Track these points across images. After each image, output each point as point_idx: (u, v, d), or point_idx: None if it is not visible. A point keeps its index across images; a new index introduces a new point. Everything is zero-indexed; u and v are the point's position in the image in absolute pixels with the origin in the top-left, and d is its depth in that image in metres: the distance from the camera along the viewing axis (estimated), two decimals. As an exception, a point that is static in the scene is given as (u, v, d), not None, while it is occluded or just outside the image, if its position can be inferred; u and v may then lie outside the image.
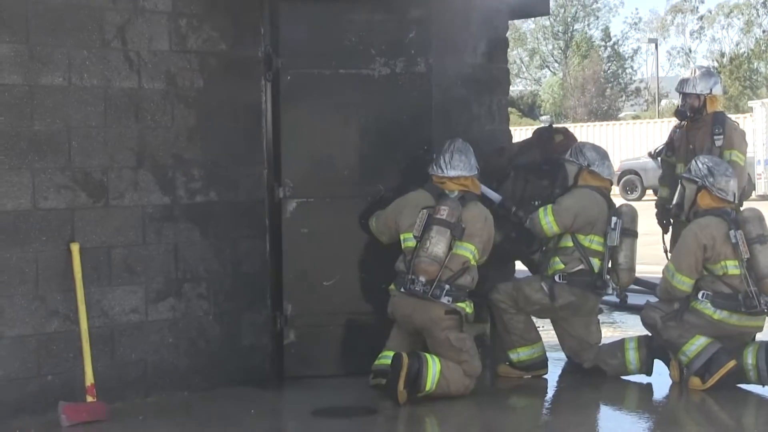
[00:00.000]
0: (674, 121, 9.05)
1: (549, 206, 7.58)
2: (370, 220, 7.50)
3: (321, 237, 7.60)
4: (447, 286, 6.94)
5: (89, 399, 6.54)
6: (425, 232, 6.96)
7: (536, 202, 7.89)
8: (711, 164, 7.41)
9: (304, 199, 7.59)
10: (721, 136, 8.14)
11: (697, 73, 8.40)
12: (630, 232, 7.63)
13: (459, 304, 6.98)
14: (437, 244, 6.89)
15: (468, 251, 7.06)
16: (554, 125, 9.10)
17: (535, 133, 8.60)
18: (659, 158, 8.95)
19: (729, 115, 8.73)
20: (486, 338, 8.44)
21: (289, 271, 7.57)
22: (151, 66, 7.05)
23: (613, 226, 7.55)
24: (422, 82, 7.81)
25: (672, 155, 8.60)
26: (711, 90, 8.31)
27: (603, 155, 7.82)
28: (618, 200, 8.15)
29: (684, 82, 8.43)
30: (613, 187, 7.98)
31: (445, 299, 6.93)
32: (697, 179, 7.39)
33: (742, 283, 7.12)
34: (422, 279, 6.88)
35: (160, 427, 6.56)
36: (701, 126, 8.29)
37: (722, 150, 8.12)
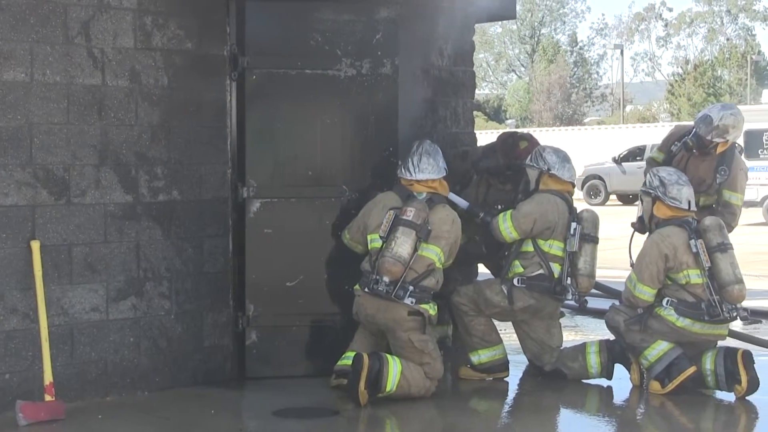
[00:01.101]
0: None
1: (509, 212, 7.59)
2: (342, 234, 7.47)
3: (284, 237, 7.58)
4: (411, 288, 6.94)
5: (48, 398, 6.49)
6: (391, 233, 6.96)
7: (499, 206, 7.91)
8: (663, 174, 7.45)
9: (267, 199, 7.57)
10: (726, 177, 7.86)
11: (724, 120, 7.74)
12: (590, 238, 7.65)
13: (422, 305, 6.98)
14: (402, 244, 6.89)
15: (433, 253, 7.07)
16: (519, 130, 9.09)
17: (499, 137, 8.58)
18: (623, 164, 8.82)
19: None
20: (448, 340, 8.46)
21: (252, 271, 7.54)
22: (116, 63, 7.00)
23: (572, 231, 7.57)
24: (388, 84, 7.80)
25: (669, 166, 8.11)
26: (727, 140, 7.83)
27: (563, 158, 7.83)
28: (582, 205, 8.16)
29: (705, 122, 7.81)
30: (576, 191, 7.97)
31: (408, 300, 6.93)
32: (651, 191, 7.44)
33: (704, 292, 7.17)
34: (386, 279, 6.88)
35: (119, 426, 6.50)
36: (707, 159, 7.91)
37: (722, 188, 7.89)
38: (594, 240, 7.67)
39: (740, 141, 8.03)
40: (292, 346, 7.68)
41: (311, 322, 7.69)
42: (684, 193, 7.36)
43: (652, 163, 8.21)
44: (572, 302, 7.84)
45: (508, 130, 9.28)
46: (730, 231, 7.80)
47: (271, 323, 7.59)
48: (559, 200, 7.64)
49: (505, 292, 7.57)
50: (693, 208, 7.40)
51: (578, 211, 7.74)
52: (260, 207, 7.55)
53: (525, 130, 9.23)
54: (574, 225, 7.57)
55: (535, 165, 7.78)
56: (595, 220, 7.73)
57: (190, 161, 7.36)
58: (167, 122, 7.24)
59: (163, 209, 7.24)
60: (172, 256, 7.28)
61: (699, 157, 7.95)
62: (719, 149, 7.86)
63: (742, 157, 8.32)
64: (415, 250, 6.96)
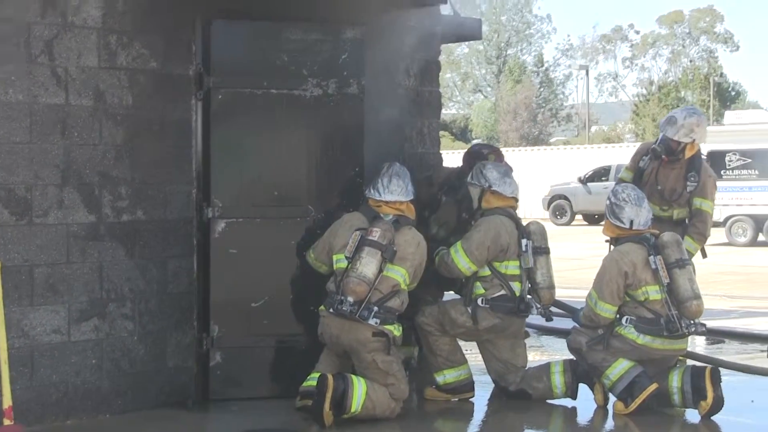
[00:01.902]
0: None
1: (458, 246, 7.54)
2: (307, 254, 7.44)
3: (249, 258, 7.54)
4: (375, 308, 6.92)
5: (6, 422, 6.38)
6: (356, 253, 6.94)
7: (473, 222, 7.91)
8: (611, 197, 7.55)
9: (233, 219, 7.53)
10: (696, 184, 8.02)
11: (687, 120, 8.02)
12: (542, 250, 7.69)
13: (387, 326, 6.96)
14: (367, 265, 6.87)
15: (398, 274, 7.05)
16: (476, 141, 9.13)
17: (466, 153, 8.60)
18: (588, 184, 8.92)
19: None
20: (413, 361, 8.44)
21: (216, 291, 7.49)
22: (79, 82, 6.95)
23: (524, 248, 7.59)
24: (354, 104, 7.80)
25: (638, 186, 8.22)
26: (693, 139, 8.04)
27: (504, 173, 7.82)
28: (549, 225, 8.15)
29: (670, 124, 8.07)
30: (542, 211, 8.01)
31: (373, 321, 6.90)
32: (606, 212, 7.52)
33: (663, 308, 7.22)
34: (350, 299, 6.85)
35: (81, 449, 6.44)
36: (676, 167, 8.10)
37: (693, 196, 8.04)
38: (546, 251, 7.72)
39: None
40: (256, 367, 7.62)
41: (276, 343, 7.65)
42: (626, 213, 7.40)
43: (621, 183, 8.29)
44: (538, 318, 7.86)
45: (474, 143, 9.27)
46: (704, 240, 8.02)
47: (236, 344, 7.54)
48: (506, 220, 7.63)
49: (470, 312, 7.56)
50: (637, 227, 7.39)
51: (525, 225, 7.76)
52: (225, 227, 7.51)
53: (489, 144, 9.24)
54: (524, 241, 7.59)
55: (476, 183, 7.79)
56: (542, 232, 7.77)
57: (154, 181, 7.31)
58: (131, 142, 7.19)
59: (127, 229, 7.18)
60: (135, 277, 7.22)
61: (668, 165, 8.10)
62: (687, 153, 8.02)
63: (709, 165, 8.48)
64: (381, 270, 6.94)
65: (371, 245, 6.92)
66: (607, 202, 7.57)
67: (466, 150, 8.80)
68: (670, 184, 8.11)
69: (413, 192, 7.34)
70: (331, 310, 6.97)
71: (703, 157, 8.37)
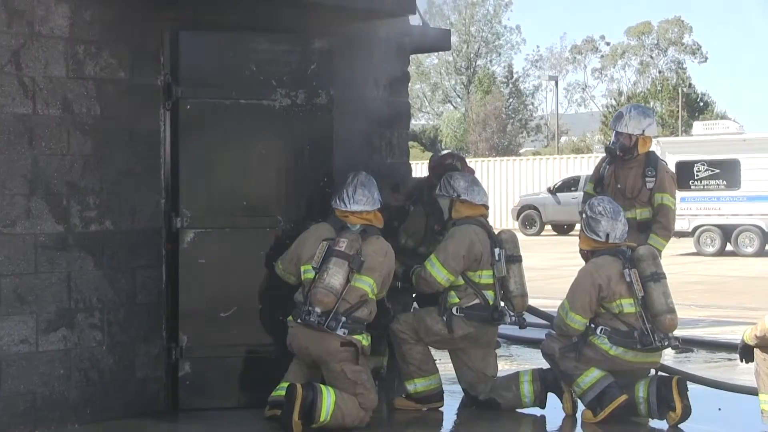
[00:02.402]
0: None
1: (433, 259, 7.55)
2: (276, 264, 7.44)
3: (219, 268, 7.53)
4: (343, 318, 6.93)
5: (-25, 432, 6.36)
6: (324, 264, 6.94)
7: (439, 237, 7.94)
8: (587, 207, 7.59)
9: (202, 229, 7.52)
10: (654, 179, 8.19)
11: (633, 112, 8.33)
12: (514, 258, 7.73)
13: (355, 336, 6.97)
14: (334, 275, 6.88)
15: (366, 284, 7.06)
16: (444, 152, 9.19)
17: (431, 163, 8.65)
18: (558, 194, 9.08)
19: None
20: (383, 371, 8.44)
21: (185, 301, 7.48)
22: (47, 92, 6.93)
23: (497, 257, 7.62)
24: (323, 114, 7.82)
25: (600, 192, 8.45)
26: (644, 131, 8.26)
27: (472, 182, 7.86)
28: (518, 235, 8.15)
29: (618, 119, 8.39)
30: (512, 221, 8.08)
31: (341, 331, 6.91)
32: (581, 223, 7.55)
33: (637, 321, 7.24)
34: (318, 310, 6.86)
35: (49, 460, 6.40)
36: (633, 166, 8.28)
37: (653, 192, 8.19)
38: (518, 259, 7.76)
39: (672, 169, 8.53)
40: (226, 377, 7.61)
41: (245, 353, 7.64)
42: (602, 226, 7.43)
43: (586, 196, 8.46)
44: (512, 327, 7.89)
45: (435, 154, 9.29)
46: (668, 234, 8.23)
47: (205, 354, 7.52)
48: (478, 229, 7.66)
49: (445, 321, 7.58)
50: (613, 240, 7.45)
51: (496, 233, 7.80)
52: (194, 237, 7.49)
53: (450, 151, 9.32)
54: (497, 250, 7.62)
55: (445, 194, 7.82)
56: (514, 239, 7.82)
57: (122, 191, 7.29)
58: (100, 151, 7.17)
59: (95, 239, 7.16)
60: (104, 287, 7.19)
61: (625, 165, 8.32)
62: (641, 148, 8.26)
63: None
64: (348, 281, 6.95)
65: (338, 256, 6.92)
66: (583, 215, 7.58)
67: (429, 160, 8.82)
68: (629, 182, 8.29)
69: (380, 200, 7.36)
70: (299, 321, 6.97)
71: (663, 161, 8.58)
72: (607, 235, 7.42)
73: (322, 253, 6.98)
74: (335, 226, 7.21)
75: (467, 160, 9.05)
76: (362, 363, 7.02)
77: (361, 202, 7.23)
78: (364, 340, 7.02)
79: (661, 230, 8.29)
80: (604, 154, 8.78)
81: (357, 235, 7.07)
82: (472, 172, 8.37)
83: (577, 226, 7.85)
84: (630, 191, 8.23)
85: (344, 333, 6.91)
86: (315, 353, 6.98)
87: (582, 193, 9.77)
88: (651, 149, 8.37)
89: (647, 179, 8.22)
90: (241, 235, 7.62)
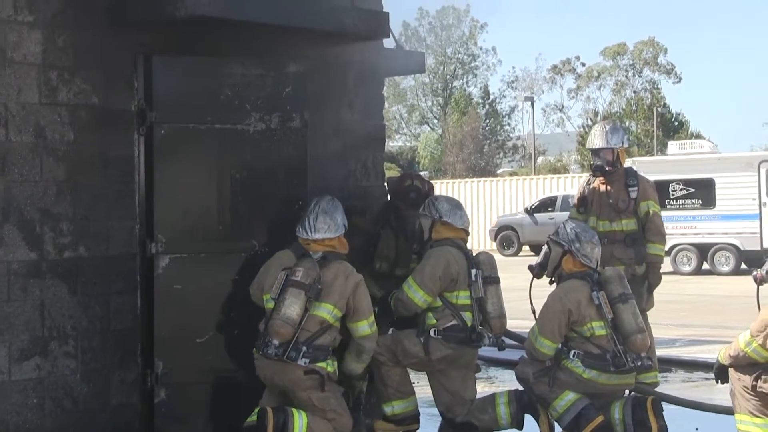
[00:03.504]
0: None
1: (410, 281, 7.53)
2: (251, 289, 7.38)
3: (194, 293, 7.49)
4: (304, 348, 6.84)
5: (-53, 462, 6.29)
6: (281, 294, 6.88)
7: (414, 255, 7.93)
8: (579, 230, 7.53)
9: (176, 255, 7.48)
10: (636, 188, 8.57)
11: (607, 128, 8.70)
12: (492, 279, 7.72)
13: (319, 364, 6.89)
14: (291, 305, 6.80)
15: (325, 311, 6.95)
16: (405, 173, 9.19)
17: (388, 185, 8.70)
18: (535, 215, 9.29)
19: None
20: (362, 395, 8.40)
21: (160, 327, 7.43)
22: (20, 118, 6.90)
23: (474, 278, 7.61)
24: (297, 138, 7.81)
25: (584, 212, 8.75)
26: (623, 143, 8.69)
27: (455, 205, 7.87)
28: (496, 256, 8.18)
29: (598, 138, 8.69)
30: (489, 242, 8.10)
31: (302, 361, 6.82)
32: (564, 243, 7.50)
33: (609, 343, 7.22)
34: (275, 341, 6.80)
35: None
36: (615, 180, 8.62)
37: (638, 201, 8.49)
38: (496, 281, 7.75)
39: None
40: (201, 403, 7.56)
41: (221, 379, 7.59)
42: (596, 253, 7.46)
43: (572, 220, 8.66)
44: (490, 349, 7.88)
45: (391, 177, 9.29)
46: (663, 238, 8.68)
47: (181, 380, 7.47)
48: (454, 250, 7.64)
49: (422, 342, 7.56)
50: (599, 267, 7.49)
51: (474, 255, 7.79)
52: (169, 263, 7.46)
53: (437, 182, 9.35)
54: (474, 271, 7.61)
55: (427, 214, 7.82)
56: (492, 261, 7.81)
57: (96, 217, 7.25)
58: (73, 178, 7.14)
59: (69, 266, 7.11)
60: (78, 314, 7.15)
61: (608, 179, 8.64)
62: (622, 160, 8.65)
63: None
64: (307, 309, 6.89)
65: (294, 285, 6.85)
66: (571, 236, 7.48)
67: (386, 183, 8.84)
68: (614, 195, 8.63)
69: (345, 225, 7.26)
70: (260, 353, 6.93)
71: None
72: (597, 263, 7.45)
73: (281, 284, 6.92)
74: (297, 253, 7.14)
75: (444, 181, 9.09)
76: (329, 389, 6.94)
77: (322, 229, 7.15)
78: (329, 366, 6.93)
79: (655, 236, 8.67)
80: (586, 176, 9.07)
81: (314, 264, 6.97)
82: (431, 187, 8.49)
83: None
84: (616, 203, 8.56)
85: (305, 363, 6.83)
86: (280, 383, 6.92)
87: (558, 214, 10.04)
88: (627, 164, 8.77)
89: (630, 189, 8.58)
90: (217, 260, 7.59)
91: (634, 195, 8.55)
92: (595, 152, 8.69)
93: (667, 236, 9.28)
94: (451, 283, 7.56)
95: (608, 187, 8.66)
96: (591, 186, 8.79)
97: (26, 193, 6.93)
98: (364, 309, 7.11)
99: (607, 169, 8.62)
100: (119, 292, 7.37)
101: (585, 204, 8.76)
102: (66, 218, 7.10)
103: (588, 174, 9.18)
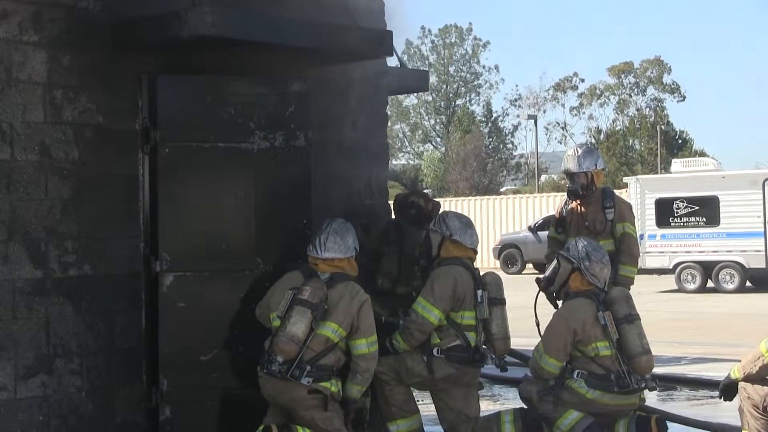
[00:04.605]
0: (553, 196, 9.42)
1: (421, 301, 7.49)
2: (256, 309, 7.39)
3: (198, 311, 7.51)
4: (308, 367, 6.84)
5: (-48, 481, 6.30)
6: (287, 312, 6.89)
7: (416, 267, 7.94)
8: (590, 249, 7.50)
9: (181, 273, 7.50)
10: (612, 210, 8.57)
11: (580, 152, 8.71)
12: (497, 301, 7.69)
13: (322, 383, 6.89)
14: (296, 323, 6.82)
15: (329, 330, 6.96)
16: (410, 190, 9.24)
17: (394, 202, 8.71)
18: (539, 232, 9.30)
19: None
20: (366, 413, 8.40)
21: (165, 345, 7.44)
22: (25, 137, 6.93)
23: (480, 299, 7.60)
24: (301, 156, 7.83)
25: (562, 232, 8.78)
26: (596, 165, 8.67)
27: (466, 224, 7.86)
28: (500, 274, 8.17)
29: (570, 162, 8.72)
30: (493, 260, 8.10)
31: (305, 380, 6.82)
32: (574, 260, 7.47)
33: (614, 363, 7.20)
34: (279, 359, 6.80)
35: None
36: (592, 201, 8.63)
37: (614, 223, 8.52)
38: (502, 302, 7.72)
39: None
40: (206, 421, 7.56)
41: (225, 397, 7.59)
42: (605, 273, 7.44)
43: (551, 241, 8.77)
44: (492, 368, 7.87)
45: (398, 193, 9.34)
46: (635, 260, 8.60)
47: (185, 398, 7.48)
48: (461, 270, 7.62)
49: (426, 361, 7.56)
50: (602, 285, 7.49)
51: (481, 275, 7.78)
52: (173, 281, 7.47)
53: (440, 200, 9.39)
54: (480, 292, 7.60)
55: (437, 230, 7.81)
56: (498, 283, 7.78)
57: (101, 235, 7.28)
58: (78, 196, 7.17)
59: (74, 284, 7.13)
60: (83, 332, 7.16)
61: (584, 201, 8.68)
62: (597, 182, 8.67)
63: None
64: (312, 329, 6.90)
65: (301, 304, 6.87)
66: (582, 254, 7.48)
67: (393, 200, 8.86)
68: (590, 217, 8.65)
69: (356, 248, 7.29)
70: (264, 371, 6.93)
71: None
72: (605, 282, 7.44)
73: (288, 302, 6.93)
74: (305, 273, 7.16)
75: (448, 199, 9.12)
76: (332, 409, 6.94)
77: (332, 249, 7.17)
78: (332, 386, 6.93)
79: (627, 258, 8.62)
80: (562, 196, 9.09)
81: (321, 283, 6.99)
82: (438, 205, 8.53)
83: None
84: (593, 224, 8.56)
85: (308, 382, 6.83)
86: (282, 402, 6.93)
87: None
88: (606, 185, 8.71)
89: (607, 211, 8.59)
90: (221, 278, 7.61)
91: (610, 216, 8.56)
92: (570, 176, 8.75)
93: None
94: (458, 302, 7.54)
95: (584, 209, 8.68)
96: (569, 207, 8.83)
97: (31, 212, 6.96)
98: (365, 328, 7.10)
99: (581, 193, 8.66)
100: (124, 310, 7.39)
101: (563, 224, 8.81)
102: (71, 236, 7.13)
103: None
